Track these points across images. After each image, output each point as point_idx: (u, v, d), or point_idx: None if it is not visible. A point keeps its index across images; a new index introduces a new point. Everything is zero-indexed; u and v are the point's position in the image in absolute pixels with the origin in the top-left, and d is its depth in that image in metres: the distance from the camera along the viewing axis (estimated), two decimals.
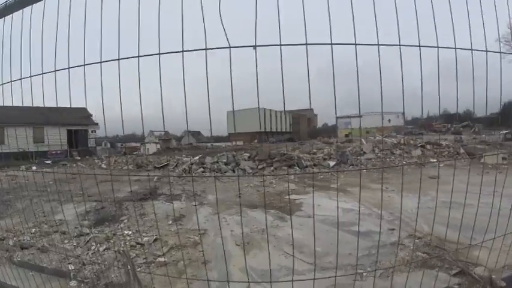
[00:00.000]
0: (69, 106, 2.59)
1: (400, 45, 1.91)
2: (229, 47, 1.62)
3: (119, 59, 1.92)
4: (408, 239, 6.22)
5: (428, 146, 20.49)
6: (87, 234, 6.67)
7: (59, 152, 31.59)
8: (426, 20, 2.04)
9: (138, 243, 6.13)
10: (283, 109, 67.94)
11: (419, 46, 1.96)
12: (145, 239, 6.31)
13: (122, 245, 6.05)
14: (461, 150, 19.33)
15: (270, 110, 63.97)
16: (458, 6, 2.09)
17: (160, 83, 2.03)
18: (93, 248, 5.96)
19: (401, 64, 2.01)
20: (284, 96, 1.98)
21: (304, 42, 1.62)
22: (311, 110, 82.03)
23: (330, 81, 2.01)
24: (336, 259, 3.93)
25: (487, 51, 2.16)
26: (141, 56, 1.82)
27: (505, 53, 2.30)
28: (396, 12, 1.95)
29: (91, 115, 38.64)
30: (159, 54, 1.79)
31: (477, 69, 2.20)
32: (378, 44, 1.85)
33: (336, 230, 6.56)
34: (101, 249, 5.87)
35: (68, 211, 6.69)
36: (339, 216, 7.64)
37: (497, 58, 2.18)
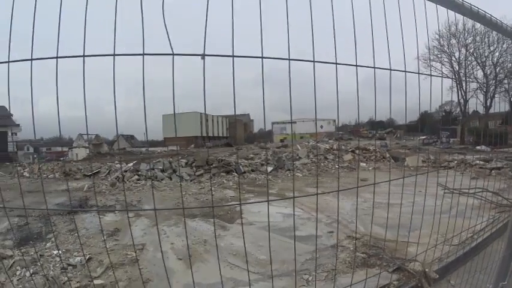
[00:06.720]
0: None
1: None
2: (173, 54, 1.45)
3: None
4: (347, 240, 6.48)
5: (357, 151, 21.84)
6: (11, 256, 5.77)
7: None
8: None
9: (69, 265, 5.47)
10: (218, 114, 67.96)
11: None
12: (77, 259, 5.66)
13: (52, 268, 5.38)
14: (387, 155, 20.93)
15: (207, 114, 63.53)
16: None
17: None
18: (18, 273, 5.17)
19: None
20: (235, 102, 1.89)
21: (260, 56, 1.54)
22: (247, 115, 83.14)
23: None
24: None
25: (405, 71, 2.34)
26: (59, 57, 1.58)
27: (421, 73, 2.54)
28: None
29: (11, 115, 34.01)
30: (84, 56, 1.56)
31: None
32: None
33: (278, 236, 6.65)
34: (28, 274, 5.12)
35: None
36: (278, 222, 7.77)
37: (416, 74, 2.41)
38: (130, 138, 63.93)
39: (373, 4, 2.08)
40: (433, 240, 3.69)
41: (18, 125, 36.28)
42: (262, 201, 2.74)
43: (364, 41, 2.20)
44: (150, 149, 41.47)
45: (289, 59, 1.74)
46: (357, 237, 6.39)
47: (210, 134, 66.92)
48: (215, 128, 70.76)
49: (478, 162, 16.53)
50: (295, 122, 61.49)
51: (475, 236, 5.68)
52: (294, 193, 2.13)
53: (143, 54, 1.36)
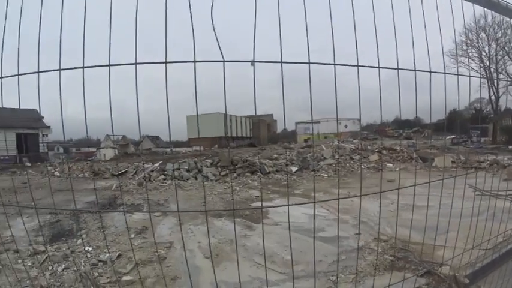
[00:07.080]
0: (16, 107, 2.30)
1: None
2: (223, 61, 1.51)
3: (83, 67, 1.74)
4: (374, 242, 6.39)
5: (384, 151, 21.42)
6: (43, 252, 6.08)
7: (6, 157, 29.26)
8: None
9: (99, 261, 5.69)
10: (242, 114, 68.30)
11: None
12: (107, 255, 5.89)
13: (82, 264, 5.61)
14: (415, 155, 20.41)
15: (230, 115, 63.96)
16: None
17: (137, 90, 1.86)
18: (50, 268, 5.43)
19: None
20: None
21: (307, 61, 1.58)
22: (270, 115, 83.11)
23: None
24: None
25: (445, 73, 2.29)
26: (112, 65, 1.67)
27: (461, 74, 2.45)
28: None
29: (42, 117, 35.86)
30: (136, 64, 1.64)
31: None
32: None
33: (304, 237, 6.63)
34: (60, 269, 5.37)
35: (20, 225, 6.14)
36: (304, 223, 7.73)
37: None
38: (155, 138, 65.36)
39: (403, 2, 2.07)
40: (464, 244, 3.60)
41: (48, 127, 37.99)
42: (309, 203, 2.76)
43: (391, 39, 2.17)
44: (174, 149, 42.27)
45: (335, 64, 1.76)
46: (385, 240, 6.30)
47: (234, 135, 67.40)
48: (239, 128, 71.18)
49: (511, 162, 15.87)
50: (318, 122, 60.97)
51: (510, 239, 5.47)
52: (338, 194, 2.15)
53: (194, 62, 1.42)
